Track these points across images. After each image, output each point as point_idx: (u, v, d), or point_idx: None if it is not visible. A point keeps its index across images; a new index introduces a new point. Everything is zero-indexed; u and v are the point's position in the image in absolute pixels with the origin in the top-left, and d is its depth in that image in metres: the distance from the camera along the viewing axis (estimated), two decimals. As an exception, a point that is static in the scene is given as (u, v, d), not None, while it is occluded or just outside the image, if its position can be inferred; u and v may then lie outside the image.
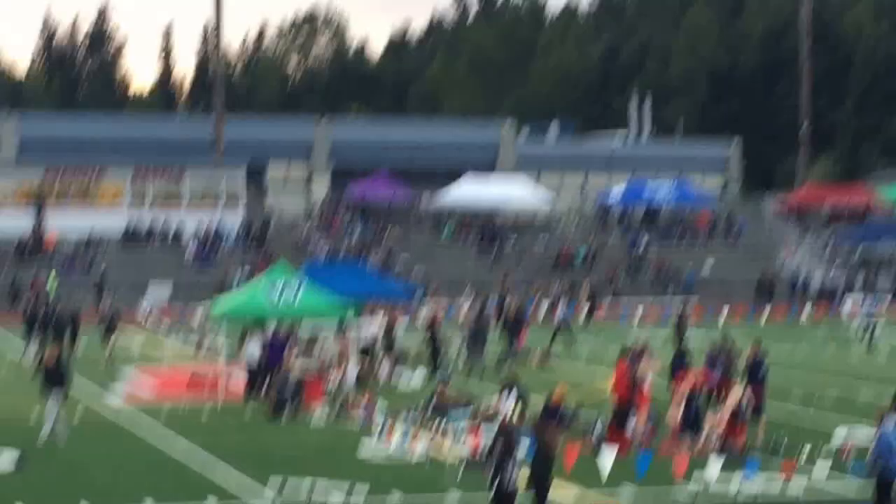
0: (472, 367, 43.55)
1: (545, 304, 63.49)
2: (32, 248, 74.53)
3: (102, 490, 24.09)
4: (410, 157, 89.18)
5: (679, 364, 34.01)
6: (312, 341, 39.75)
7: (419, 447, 28.39)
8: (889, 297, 74.94)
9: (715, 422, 28.57)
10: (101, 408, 35.36)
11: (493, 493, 19.46)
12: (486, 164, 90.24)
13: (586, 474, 24.62)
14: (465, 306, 49.75)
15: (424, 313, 51.42)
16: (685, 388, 29.70)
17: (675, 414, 29.09)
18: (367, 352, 42.54)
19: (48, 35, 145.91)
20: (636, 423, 29.78)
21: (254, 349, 37.24)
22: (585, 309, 64.89)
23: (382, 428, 30.61)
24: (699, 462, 25.78)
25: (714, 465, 25.08)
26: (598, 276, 76.25)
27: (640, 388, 30.50)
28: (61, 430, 29.82)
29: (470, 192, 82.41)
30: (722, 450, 27.35)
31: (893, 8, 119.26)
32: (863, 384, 40.17)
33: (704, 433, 28.33)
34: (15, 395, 37.27)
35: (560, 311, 54.56)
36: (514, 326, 47.77)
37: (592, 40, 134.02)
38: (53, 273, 68.46)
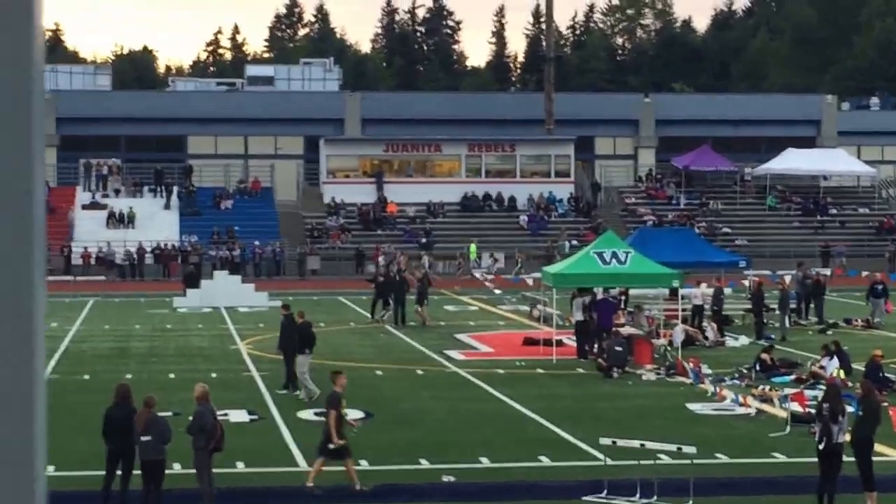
0: (786, 333, 43.97)
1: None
2: (375, 217, 78.17)
3: (439, 447, 25.38)
4: (734, 131, 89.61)
5: None
6: (639, 307, 41.07)
7: (745, 410, 29.17)
8: None
9: None
10: (439, 369, 37.10)
11: (818, 453, 20.12)
12: (808, 137, 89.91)
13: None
14: (788, 276, 50.23)
15: (749, 281, 52.14)
16: None
17: None
18: (693, 317, 43.83)
19: (389, 17, 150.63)
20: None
21: (584, 312, 38.69)
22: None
23: (710, 391, 31.65)
24: None
25: None
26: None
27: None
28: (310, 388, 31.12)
29: (793, 163, 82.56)
30: None
31: None
32: None
33: None
34: (359, 356, 39.80)
35: None
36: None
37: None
38: (474, 246, 72.29)
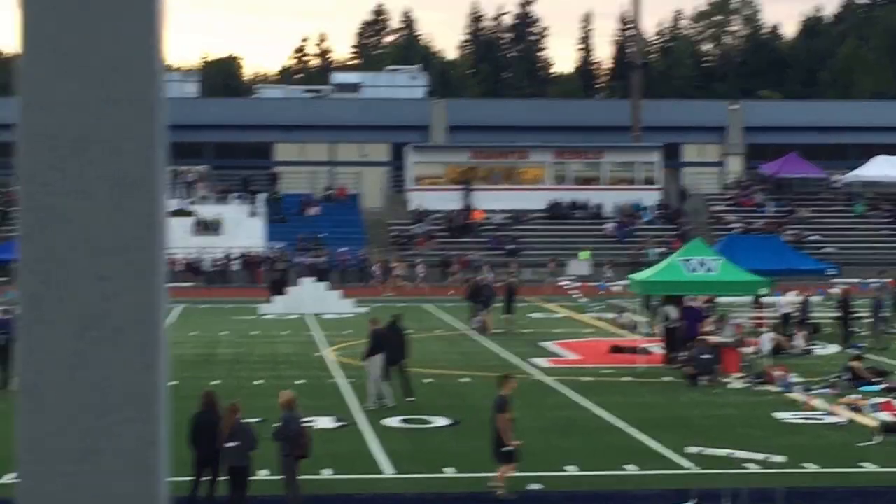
0: (883, 341, 43.55)
1: None
2: (461, 225, 78.24)
3: (527, 454, 24.67)
4: (822, 137, 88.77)
5: None
6: (723, 316, 40.78)
7: (834, 419, 28.87)
8: None
9: None
10: (525, 376, 36.63)
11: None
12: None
13: None
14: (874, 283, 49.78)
15: (837, 289, 51.65)
16: None
17: None
18: (781, 325, 43.47)
19: (475, 24, 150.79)
20: None
21: (671, 321, 38.58)
22: None
23: (801, 400, 31.33)
24: None
25: None
26: None
27: None
28: (384, 394, 31.10)
29: (882, 170, 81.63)
30: None
31: None
32: None
33: None
34: (445, 363, 39.92)
35: None
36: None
37: None
38: (587, 254, 72.14)
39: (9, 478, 23.15)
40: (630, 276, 44.86)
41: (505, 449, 21.91)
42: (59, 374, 1.87)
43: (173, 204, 79.27)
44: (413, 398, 31.71)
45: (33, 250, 1.89)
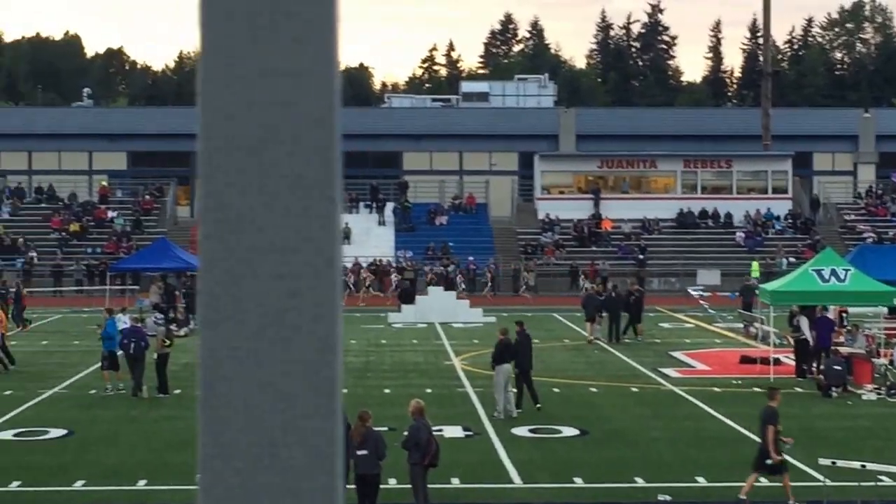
0: None
1: None
2: (590, 234, 77.98)
3: (656, 465, 25.23)
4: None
5: None
6: (856, 326, 40.25)
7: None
8: None
9: None
10: (654, 387, 36.81)
11: None
12: None
13: None
14: None
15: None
16: None
17: None
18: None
19: (604, 32, 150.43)
20: None
21: (803, 330, 38.12)
22: None
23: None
24: None
25: None
26: None
27: None
28: (509, 405, 31.02)
29: None
30: None
31: None
32: None
33: None
34: (573, 373, 39.78)
35: None
36: None
37: None
38: (756, 265, 71.60)
39: (142, 483, 23.56)
40: (761, 285, 44.42)
41: (770, 462, 22.01)
42: (239, 371, 1.95)
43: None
44: (540, 405, 31.72)
45: (214, 250, 1.97)
